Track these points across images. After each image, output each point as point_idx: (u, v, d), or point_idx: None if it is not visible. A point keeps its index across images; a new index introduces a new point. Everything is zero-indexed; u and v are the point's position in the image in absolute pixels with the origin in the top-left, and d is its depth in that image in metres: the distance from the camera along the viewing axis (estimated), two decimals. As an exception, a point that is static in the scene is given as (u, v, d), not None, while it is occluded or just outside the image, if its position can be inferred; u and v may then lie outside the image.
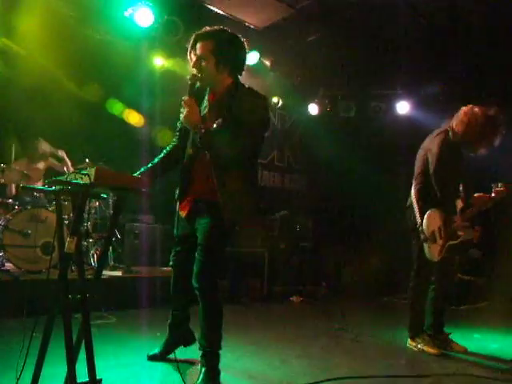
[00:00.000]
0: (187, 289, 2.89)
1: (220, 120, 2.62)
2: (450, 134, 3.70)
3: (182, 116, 2.63)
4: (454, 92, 6.87)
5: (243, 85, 2.81)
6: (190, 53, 2.78)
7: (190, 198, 2.80)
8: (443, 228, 3.61)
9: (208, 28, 2.76)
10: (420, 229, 3.63)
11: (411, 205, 3.78)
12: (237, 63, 2.79)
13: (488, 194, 3.76)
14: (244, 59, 2.83)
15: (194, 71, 2.73)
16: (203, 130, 2.57)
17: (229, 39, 2.75)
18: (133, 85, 6.07)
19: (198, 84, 2.75)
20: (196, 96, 2.72)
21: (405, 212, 3.86)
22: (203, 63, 2.70)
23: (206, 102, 2.82)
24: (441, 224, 3.62)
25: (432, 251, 3.61)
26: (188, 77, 2.73)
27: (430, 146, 3.73)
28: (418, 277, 3.80)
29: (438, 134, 3.74)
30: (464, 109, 3.70)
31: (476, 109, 3.63)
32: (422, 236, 3.62)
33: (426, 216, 3.62)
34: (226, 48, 2.71)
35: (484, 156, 3.74)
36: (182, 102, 2.63)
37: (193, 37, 2.76)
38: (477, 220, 3.81)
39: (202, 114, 2.73)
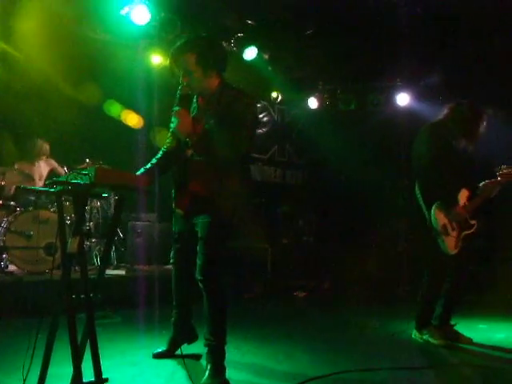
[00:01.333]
0: (188, 286, 3.00)
1: (212, 121, 2.70)
2: (442, 127, 3.69)
3: (172, 126, 2.67)
4: (455, 83, 6.82)
5: (230, 84, 2.86)
6: (173, 66, 2.81)
7: (187, 195, 2.83)
8: (452, 219, 3.58)
9: (183, 41, 2.79)
10: (430, 225, 3.57)
11: (418, 203, 3.71)
12: (221, 64, 2.84)
13: (493, 180, 3.69)
14: (225, 57, 2.89)
15: (184, 84, 2.75)
16: (195, 139, 2.63)
17: (208, 45, 2.79)
18: (131, 85, 6.04)
19: (189, 92, 2.79)
20: (186, 103, 2.77)
21: (412, 210, 3.82)
22: (191, 75, 2.73)
23: (194, 104, 2.87)
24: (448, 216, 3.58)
25: (447, 244, 3.56)
26: (178, 89, 2.77)
27: (419, 143, 3.71)
28: (433, 275, 3.73)
29: (424, 130, 3.73)
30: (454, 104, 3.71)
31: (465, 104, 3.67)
32: (433, 232, 3.56)
33: (432, 211, 3.57)
34: (208, 55, 2.74)
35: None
36: (173, 113, 2.67)
37: (171, 52, 2.80)
38: (481, 209, 3.76)
39: (192, 116, 2.78)
